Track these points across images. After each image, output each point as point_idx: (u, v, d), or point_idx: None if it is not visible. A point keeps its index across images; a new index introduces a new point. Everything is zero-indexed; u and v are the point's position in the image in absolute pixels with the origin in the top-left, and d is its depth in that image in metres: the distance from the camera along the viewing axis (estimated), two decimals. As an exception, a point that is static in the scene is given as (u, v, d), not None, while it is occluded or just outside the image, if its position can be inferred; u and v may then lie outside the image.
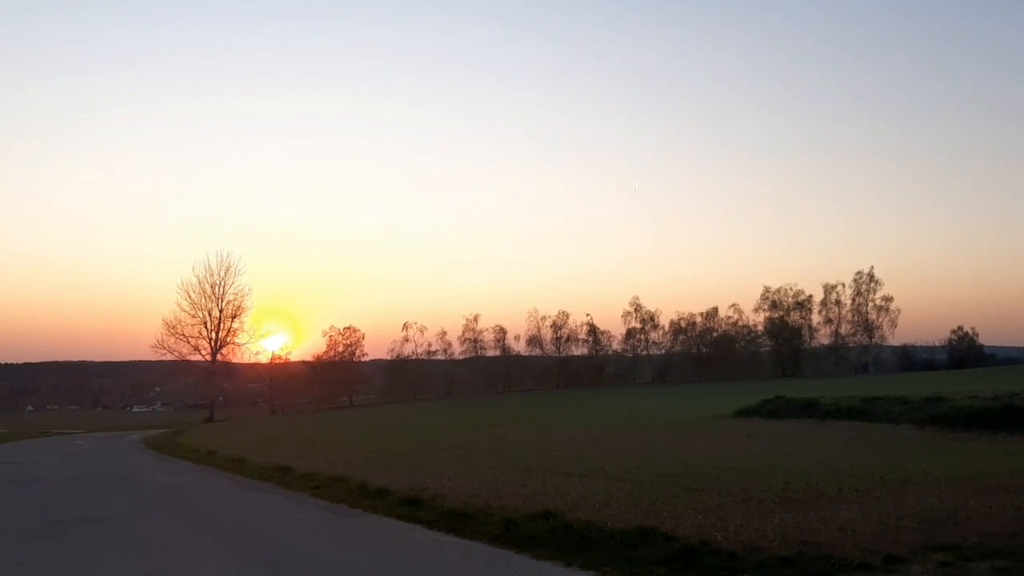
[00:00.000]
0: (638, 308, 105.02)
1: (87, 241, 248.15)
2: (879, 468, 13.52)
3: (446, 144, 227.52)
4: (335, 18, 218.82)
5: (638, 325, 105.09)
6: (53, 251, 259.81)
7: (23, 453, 32.59)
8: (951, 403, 22.10)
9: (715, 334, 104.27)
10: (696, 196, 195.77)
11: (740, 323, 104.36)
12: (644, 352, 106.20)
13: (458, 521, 10.89)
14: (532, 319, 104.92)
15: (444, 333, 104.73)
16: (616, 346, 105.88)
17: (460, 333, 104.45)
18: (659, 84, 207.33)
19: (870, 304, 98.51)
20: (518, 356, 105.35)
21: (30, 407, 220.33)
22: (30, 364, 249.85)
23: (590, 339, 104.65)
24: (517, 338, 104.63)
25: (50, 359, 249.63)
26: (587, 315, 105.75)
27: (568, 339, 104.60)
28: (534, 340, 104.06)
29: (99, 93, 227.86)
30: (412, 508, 12.16)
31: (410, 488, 13.84)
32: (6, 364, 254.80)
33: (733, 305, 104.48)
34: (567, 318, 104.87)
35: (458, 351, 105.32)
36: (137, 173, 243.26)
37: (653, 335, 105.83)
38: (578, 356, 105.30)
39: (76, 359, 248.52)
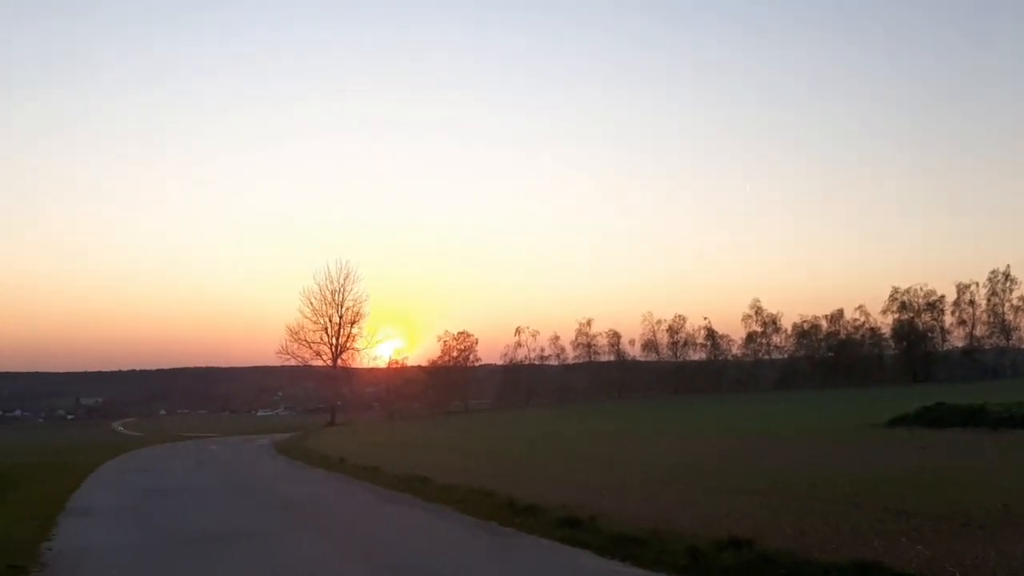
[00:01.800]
0: (759, 311, 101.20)
1: (213, 253, 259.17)
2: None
3: (559, 148, 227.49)
4: (455, 20, 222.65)
5: (759, 328, 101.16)
6: (182, 263, 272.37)
7: (160, 459, 33.10)
8: None
9: (840, 337, 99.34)
10: (821, 194, 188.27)
11: (867, 326, 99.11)
12: (766, 357, 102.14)
13: (632, 547, 9.62)
14: (647, 323, 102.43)
15: (557, 338, 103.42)
16: (736, 350, 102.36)
17: (573, 338, 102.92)
18: (783, 82, 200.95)
19: (1007, 304, 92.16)
20: (633, 361, 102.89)
21: (163, 411, 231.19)
22: (162, 370, 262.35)
23: (708, 343, 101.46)
24: (632, 343, 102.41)
25: (180, 365, 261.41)
26: (705, 318, 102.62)
27: (685, 343, 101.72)
28: (649, 344, 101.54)
29: (211, 98, 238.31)
30: (573, 529, 10.95)
31: (563, 505, 12.66)
32: (141, 370, 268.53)
33: (859, 307, 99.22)
34: (684, 322, 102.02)
35: (571, 356, 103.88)
36: (258, 184, 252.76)
37: (775, 339, 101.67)
38: (696, 361, 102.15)
39: (204, 365, 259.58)
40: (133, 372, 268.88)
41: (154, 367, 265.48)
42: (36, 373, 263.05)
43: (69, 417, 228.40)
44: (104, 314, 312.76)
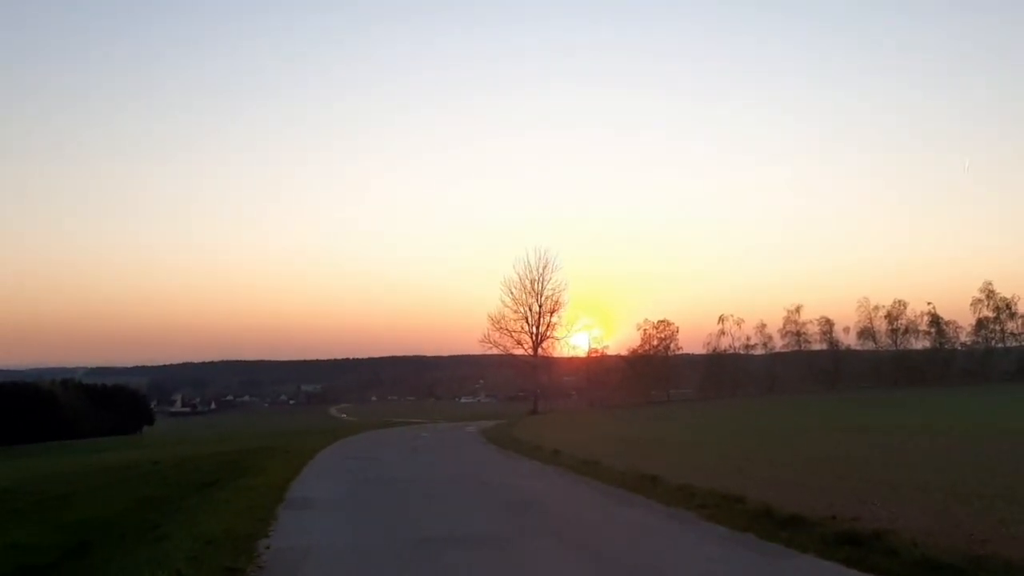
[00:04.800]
0: (990, 295, 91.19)
1: (420, 247, 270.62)
2: None
3: (758, 136, 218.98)
4: (656, 18, 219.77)
5: (991, 314, 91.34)
6: (392, 259, 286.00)
7: (375, 445, 33.42)
8: None
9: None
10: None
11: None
12: (999, 345, 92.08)
13: (948, 578, 7.57)
14: (863, 309, 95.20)
15: (763, 326, 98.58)
16: (964, 338, 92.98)
17: (781, 326, 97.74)
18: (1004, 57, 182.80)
19: None
20: (847, 350, 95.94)
21: (374, 397, 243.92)
22: (373, 358, 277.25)
23: (932, 330, 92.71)
24: (846, 330, 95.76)
25: (390, 354, 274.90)
26: (928, 304, 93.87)
27: (906, 331, 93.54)
28: (866, 332, 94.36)
29: (412, 98, 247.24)
30: (855, 548, 8.92)
31: (829, 515, 10.64)
32: (354, 359, 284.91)
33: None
34: (904, 307, 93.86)
35: (779, 345, 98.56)
36: (460, 178, 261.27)
37: (1010, 325, 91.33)
38: (918, 350, 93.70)
39: (412, 354, 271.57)
40: (347, 361, 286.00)
41: (366, 356, 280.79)
42: (262, 362, 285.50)
43: (291, 402, 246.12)
44: (321, 308, 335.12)
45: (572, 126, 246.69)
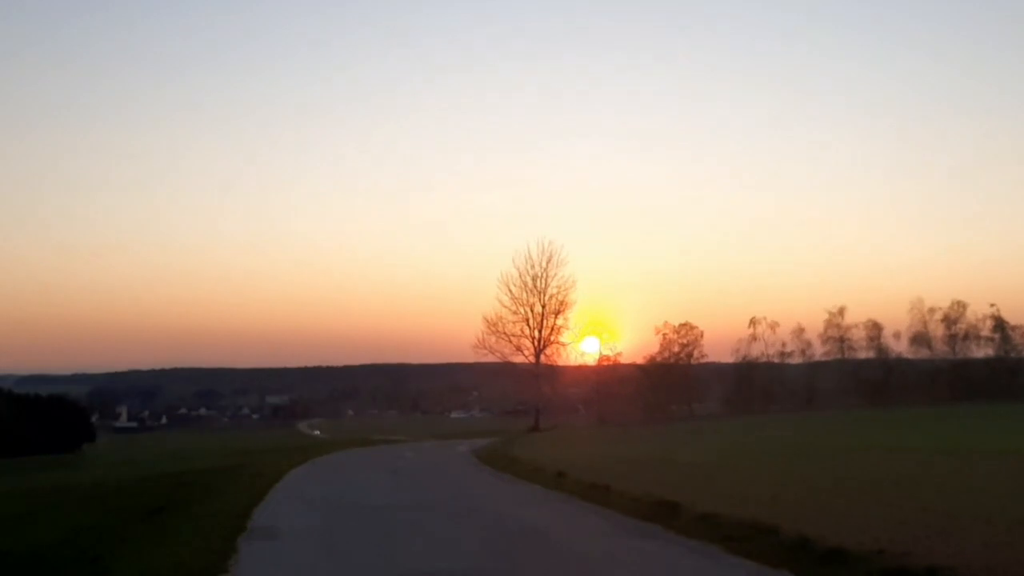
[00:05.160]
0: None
1: (405, 244, 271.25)
2: None
3: (787, 117, 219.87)
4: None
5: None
6: (371, 252, 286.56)
7: (351, 467, 33.52)
8: None
9: None
10: None
11: None
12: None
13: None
14: (916, 312, 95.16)
15: (801, 330, 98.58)
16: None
17: (821, 330, 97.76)
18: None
19: None
20: (898, 359, 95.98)
21: (350, 411, 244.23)
22: (350, 367, 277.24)
23: (996, 336, 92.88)
24: (896, 336, 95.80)
25: (369, 361, 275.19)
26: (991, 306, 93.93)
27: (966, 337, 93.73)
28: (919, 338, 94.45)
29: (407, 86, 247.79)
30: (910, 589, 8.98)
31: (876, 549, 10.66)
32: (327, 367, 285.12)
33: None
34: (964, 310, 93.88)
35: (819, 352, 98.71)
36: (447, 162, 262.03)
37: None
38: (980, 359, 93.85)
39: (395, 361, 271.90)
40: (319, 369, 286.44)
41: (341, 363, 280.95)
42: (221, 369, 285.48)
43: (254, 417, 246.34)
44: (290, 307, 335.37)
45: (578, 107, 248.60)
